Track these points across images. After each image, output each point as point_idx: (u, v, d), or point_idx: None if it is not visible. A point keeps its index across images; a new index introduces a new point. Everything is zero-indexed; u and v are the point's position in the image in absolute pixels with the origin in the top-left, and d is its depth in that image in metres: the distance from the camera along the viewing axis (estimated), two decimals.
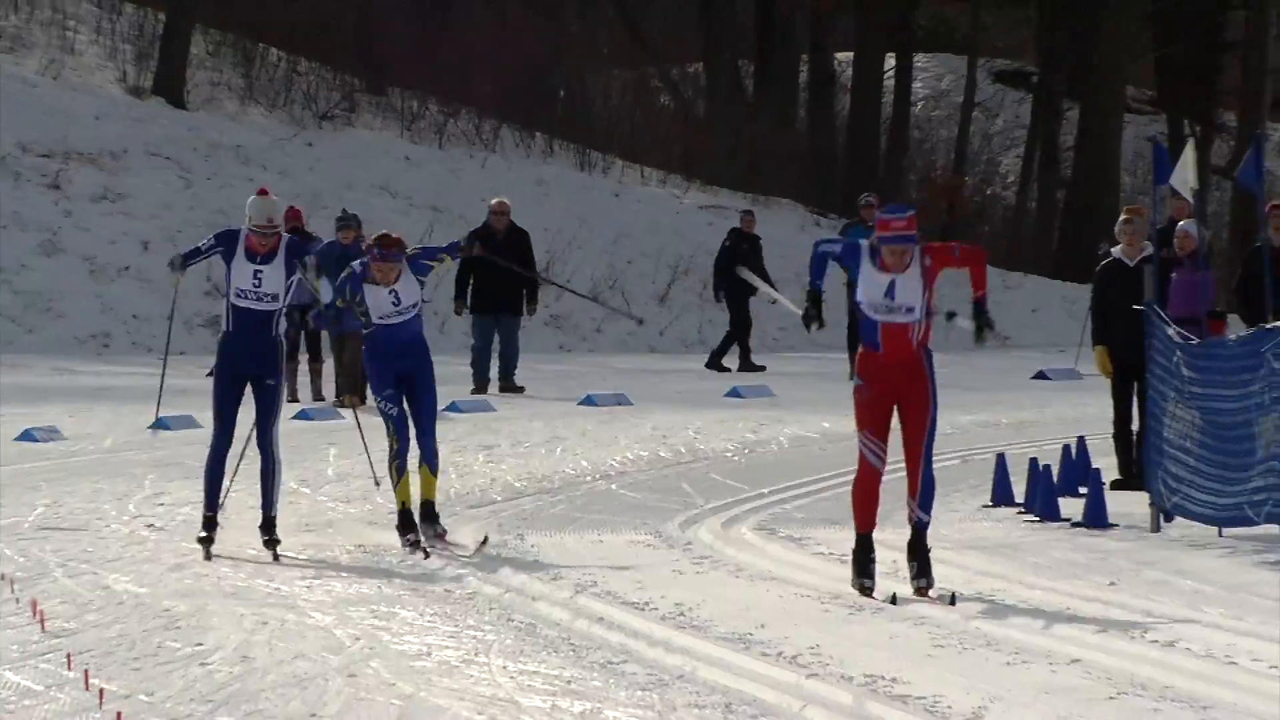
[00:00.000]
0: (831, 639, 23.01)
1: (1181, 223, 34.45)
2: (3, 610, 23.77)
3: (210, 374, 50.10)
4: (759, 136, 76.65)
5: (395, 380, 21.87)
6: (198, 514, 31.72)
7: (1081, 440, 34.17)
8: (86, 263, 61.64)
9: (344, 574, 24.05)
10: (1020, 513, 33.08)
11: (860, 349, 18.86)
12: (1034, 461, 33.27)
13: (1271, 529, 29.10)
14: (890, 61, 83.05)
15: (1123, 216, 35.82)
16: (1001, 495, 33.95)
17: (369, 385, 23.05)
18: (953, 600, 18.26)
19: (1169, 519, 31.36)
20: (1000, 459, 34.24)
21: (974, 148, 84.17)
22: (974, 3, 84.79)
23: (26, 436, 40.21)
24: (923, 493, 18.01)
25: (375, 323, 21.47)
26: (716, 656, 22.48)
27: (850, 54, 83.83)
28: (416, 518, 25.55)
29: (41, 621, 23.58)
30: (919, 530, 18.41)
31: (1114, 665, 21.68)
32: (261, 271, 19.84)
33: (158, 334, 59.90)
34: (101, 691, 19.55)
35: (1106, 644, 22.65)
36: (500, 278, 48.57)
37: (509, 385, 48.50)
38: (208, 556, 20.78)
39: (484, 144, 70.52)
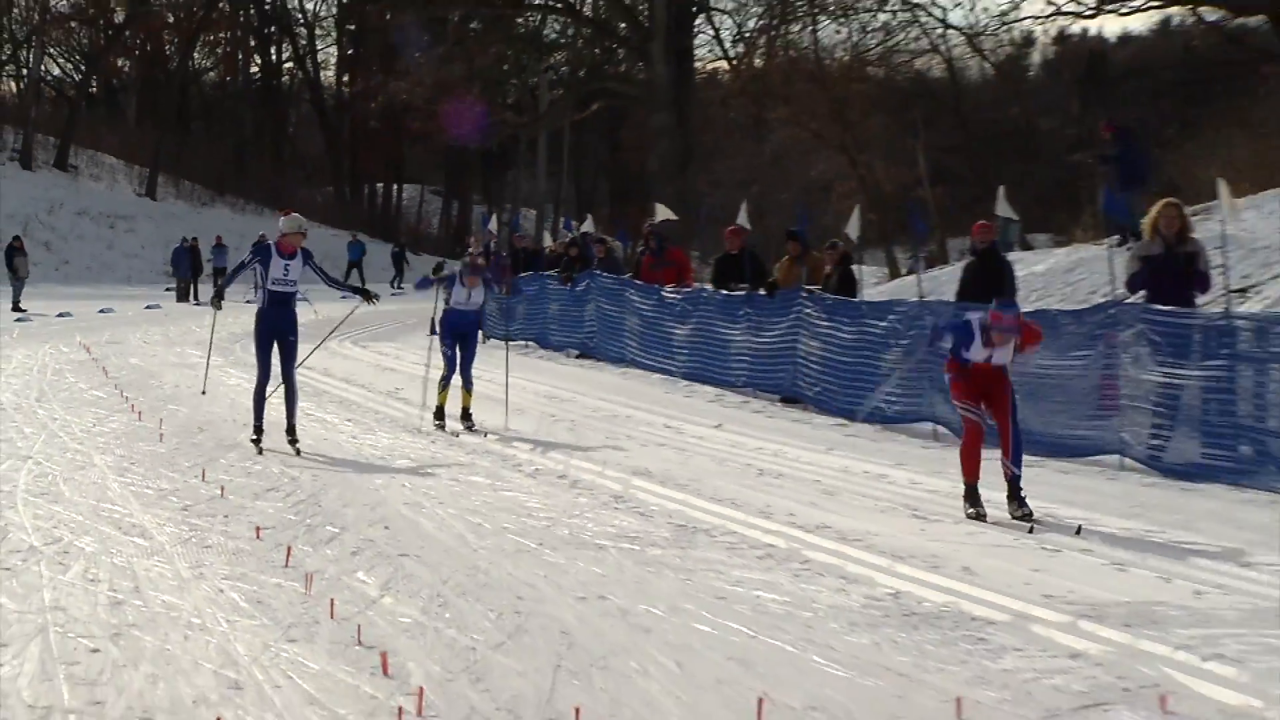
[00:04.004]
0: (376, 380, 22.25)
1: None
2: (95, 376, 22.87)
3: (169, 289, 49.20)
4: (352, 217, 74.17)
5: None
6: (170, 334, 31.24)
7: None
8: (129, 258, 60.03)
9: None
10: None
11: (951, 358, 12.53)
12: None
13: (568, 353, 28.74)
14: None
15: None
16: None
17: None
18: (1078, 531, 11.35)
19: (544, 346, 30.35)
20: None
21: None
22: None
23: (102, 311, 38.94)
24: (1014, 451, 12.05)
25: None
26: (340, 387, 21.70)
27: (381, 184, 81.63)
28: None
29: (106, 372, 22.68)
30: (1014, 482, 12.08)
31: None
32: (289, 265, 15.57)
33: (154, 274, 57.06)
34: (133, 405, 18.81)
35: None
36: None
37: None
38: (259, 452, 15.04)
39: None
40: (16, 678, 7.24)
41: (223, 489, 12.62)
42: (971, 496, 11.96)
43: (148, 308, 41.70)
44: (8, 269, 40.72)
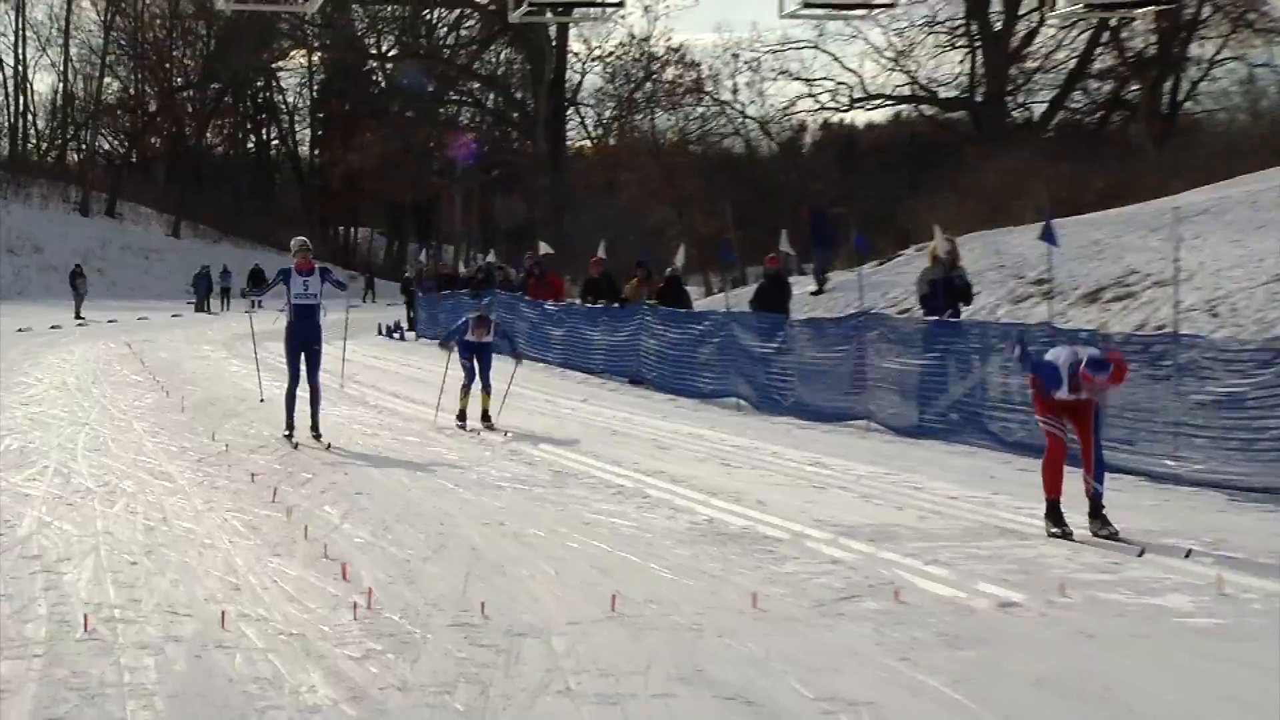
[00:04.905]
0: (338, 368, 21.93)
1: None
2: (131, 364, 22.41)
3: (188, 303, 48.13)
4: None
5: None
6: (189, 335, 30.55)
7: (396, 324, 32.86)
8: (160, 280, 58.86)
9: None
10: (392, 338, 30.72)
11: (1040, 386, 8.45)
12: (386, 323, 31.71)
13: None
14: None
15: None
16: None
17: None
18: (1141, 553, 7.81)
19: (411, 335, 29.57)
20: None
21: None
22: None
23: (140, 318, 38.11)
24: (1097, 468, 8.30)
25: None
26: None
27: (342, 227, 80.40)
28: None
29: (142, 362, 22.25)
30: (1096, 498, 8.33)
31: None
32: (308, 280, 13.06)
33: (177, 292, 55.40)
34: (162, 386, 18.45)
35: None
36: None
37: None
38: (295, 447, 12.31)
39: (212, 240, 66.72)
40: (77, 582, 7.13)
41: (227, 446, 12.46)
42: (1054, 515, 8.47)
43: (173, 316, 40.77)
44: (72, 288, 40.47)
